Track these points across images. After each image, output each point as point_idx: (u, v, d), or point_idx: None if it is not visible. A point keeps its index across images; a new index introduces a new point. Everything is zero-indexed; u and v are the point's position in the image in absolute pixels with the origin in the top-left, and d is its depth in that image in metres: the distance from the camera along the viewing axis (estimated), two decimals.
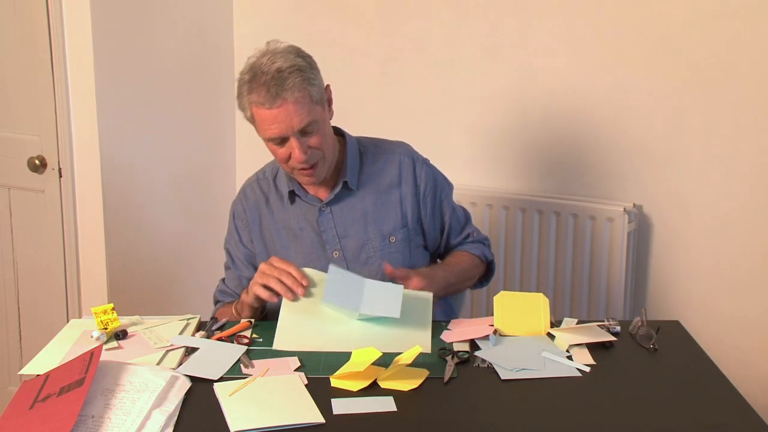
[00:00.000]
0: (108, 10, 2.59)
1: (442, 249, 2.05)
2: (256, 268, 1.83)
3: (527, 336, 1.73)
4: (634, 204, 2.56)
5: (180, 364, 1.60)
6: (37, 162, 2.71)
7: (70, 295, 2.77)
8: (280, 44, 1.83)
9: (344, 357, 1.58)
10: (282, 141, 1.80)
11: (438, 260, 2.08)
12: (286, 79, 1.75)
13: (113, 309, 1.73)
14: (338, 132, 1.97)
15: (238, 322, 1.80)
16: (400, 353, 1.55)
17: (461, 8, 2.73)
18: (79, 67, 2.59)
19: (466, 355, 1.63)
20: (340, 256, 1.93)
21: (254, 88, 1.77)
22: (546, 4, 2.60)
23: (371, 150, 1.99)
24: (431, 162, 2.04)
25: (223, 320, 1.82)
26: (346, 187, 1.93)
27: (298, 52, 1.83)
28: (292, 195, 1.95)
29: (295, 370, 1.58)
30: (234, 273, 2.02)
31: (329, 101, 1.88)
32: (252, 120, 1.83)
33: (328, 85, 1.87)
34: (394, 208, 1.96)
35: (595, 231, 2.55)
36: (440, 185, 2.01)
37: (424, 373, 1.55)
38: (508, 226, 2.69)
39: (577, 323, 1.78)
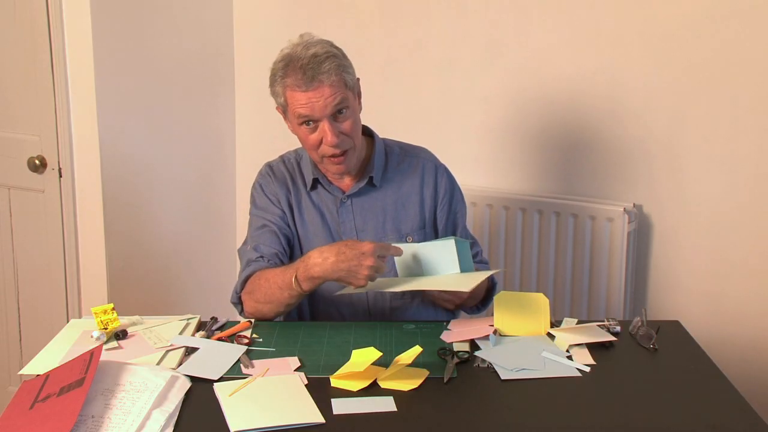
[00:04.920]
0: (108, 10, 2.59)
1: None
2: (288, 228, 1.92)
3: (527, 336, 1.73)
4: (634, 204, 2.56)
5: (180, 364, 1.60)
6: (37, 162, 2.71)
7: (70, 295, 2.77)
8: (313, 37, 1.86)
9: (344, 357, 1.59)
10: (314, 126, 1.82)
11: None
12: (322, 63, 1.78)
13: (113, 309, 1.73)
14: (366, 132, 1.99)
15: (238, 322, 1.81)
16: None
17: (461, 8, 2.73)
18: (79, 67, 2.59)
19: (466, 355, 1.64)
20: None
21: (289, 73, 1.80)
22: (546, 4, 2.60)
23: (397, 151, 2.03)
24: None
25: (224, 320, 1.82)
26: (370, 183, 1.96)
27: (332, 44, 1.86)
28: (315, 183, 1.96)
29: (295, 370, 1.58)
30: (272, 231, 1.93)
31: (359, 94, 1.90)
32: (285, 105, 1.84)
33: (358, 78, 1.89)
34: (413, 208, 1.98)
35: (595, 231, 2.55)
36: (457, 197, 2.04)
37: (424, 373, 1.55)
38: (508, 226, 2.69)
39: (577, 323, 1.78)
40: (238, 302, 1.88)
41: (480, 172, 2.79)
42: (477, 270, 2.00)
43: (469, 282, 1.73)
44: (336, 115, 1.82)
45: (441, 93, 2.82)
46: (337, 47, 1.86)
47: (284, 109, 1.87)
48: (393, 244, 1.76)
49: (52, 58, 2.61)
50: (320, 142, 1.84)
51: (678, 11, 2.42)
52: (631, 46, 2.50)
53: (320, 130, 1.82)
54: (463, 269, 1.80)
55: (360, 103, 1.91)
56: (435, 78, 2.82)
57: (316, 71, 1.77)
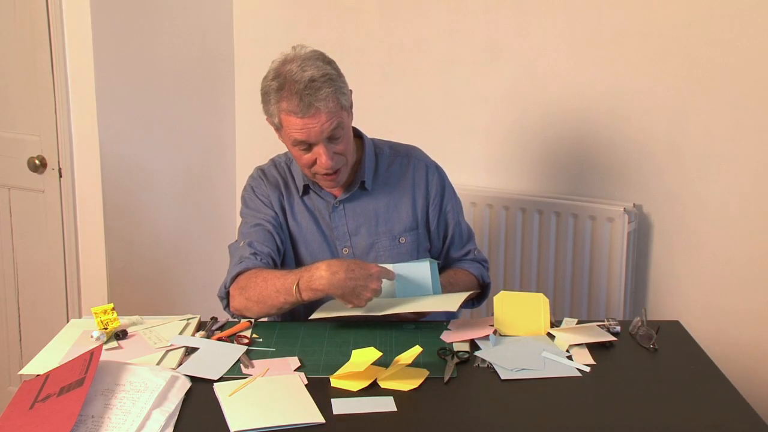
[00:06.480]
0: (108, 10, 2.59)
1: (442, 260, 2.06)
2: (282, 230, 1.91)
3: (527, 336, 1.73)
4: (634, 204, 2.56)
5: (180, 364, 1.60)
6: (37, 162, 2.71)
7: (70, 295, 2.77)
8: (305, 49, 1.83)
9: (344, 357, 1.59)
10: (309, 147, 1.81)
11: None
12: (319, 89, 1.75)
13: (113, 309, 1.73)
14: (356, 133, 1.98)
15: (238, 321, 1.81)
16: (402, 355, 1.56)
17: (461, 8, 2.73)
18: (79, 67, 2.59)
19: (466, 355, 1.64)
20: (350, 253, 1.94)
21: (285, 97, 1.77)
22: (546, 4, 2.60)
23: (387, 152, 2.02)
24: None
25: (224, 320, 1.82)
26: (362, 187, 1.95)
27: (325, 59, 1.83)
28: (307, 188, 1.96)
29: (295, 370, 1.58)
30: (266, 230, 1.91)
31: (351, 105, 1.89)
32: (279, 125, 1.83)
33: (351, 91, 1.88)
34: (405, 210, 1.98)
35: (595, 231, 2.55)
36: (448, 194, 2.04)
37: (424, 373, 1.55)
38: (508, 226, 2.69)
39: (577, 323, 1.78)
40: (225, 297, 1.86)
41: (480, 172, 2.79)
42: (465, 269, 2.04)
43: (452, 301, 1.75)
44: (331, 138, 1.80)
45: (441, 93, 2.82)
46: (330, 61, 1.83)
47: (277, 128, 1.85)
48: (383, 266, 1.77)
49: (52, 58, 2.61)
50: (314, 162, 1.83)
51: (678, 11, 2.42)
52: (631, 46, 2.50)
53: (315, 151, 1.81)
54: (435, 291, 1.83)
55: (352, 114, 1.90)
56: (435, 78, 2.82)
57: (313, 98, 1.75)
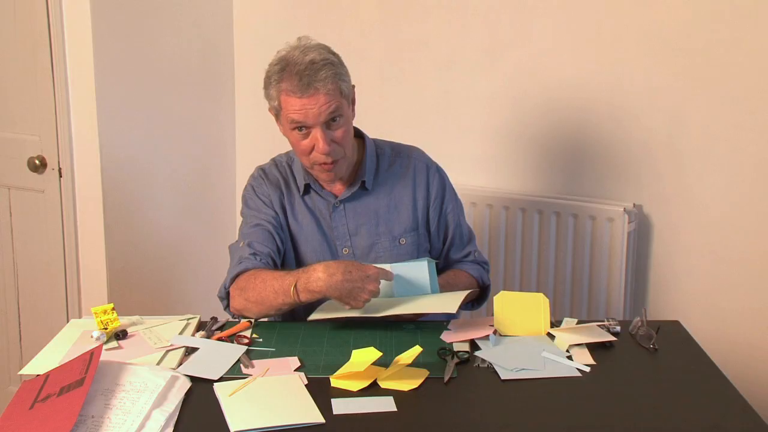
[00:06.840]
0: (108, 10, 2.59)
1: (442, 261, 2.05)
2: (282, 230, 1.91)
3: (527, 336, 1.73)
4: (634, 204, 2.56)
5: (180, 364, 1.60)
6: (37, 162, 2.71)
7: (70, 295, 2.77)
8: (311, 41, 1.85)
9: (344, 357, 1.59)
10: (306, 132, 1.82)
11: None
12: (319, 71, 1.77)
13: (113, 309, 1.73)
14: (357, 133, 1.98)
15: (238, 321, 1.81)
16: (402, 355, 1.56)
17: (461, 8, 2.73)
18: (79, 67, 2.59)
19: (466, 355, 1.64)
20: (350, 254, 1.94)
21: (285, 77, 1.79)
22: (546, 4, 2.60)
23: (388, 152, 2.02)
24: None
25: (224, 320, 1.82)
26: (362, 187, 1.95)
27: (329, 50, 1.85)
28: (308, 188, 1.96)
29: (295, 370, 1.58)
30: (267, 230, 1.91)
31: (353, 101, 1.90)
32: (278, 109, 1.84)
33: (353, 86, 1.88)
34: (406, 211, 1.98)
35: (595, 231, 2.55)
36: (449, 195, 2.03)
37: (424, 373, 1.55)
38: (508, 226, 2.69)
39: (577, 323, 1.78)
40: (225, 297, 1.86)
41: (480, 172, 2.79)
42: (465, 270, 2.03)
43: (451, 302, 1.75)
44: (329, 123, 1.81)
45: (441, 93, 2.82)
46: (334, 53, 1.85)
47: (277, 113, 1.86)
48: (381, 266, 1.77)
49: (52, 58, 2.61)
50: (311, 149, 1.83)
51: (678, 11, 2.42)
52: (631, 46, 2.50)
53: (312, 137, 1.82)
54: (433, 290, 1.83)
55: (354, 110, 1.90)
56: (435, 78, 2.82)
57: (312, 78, 1.76)
